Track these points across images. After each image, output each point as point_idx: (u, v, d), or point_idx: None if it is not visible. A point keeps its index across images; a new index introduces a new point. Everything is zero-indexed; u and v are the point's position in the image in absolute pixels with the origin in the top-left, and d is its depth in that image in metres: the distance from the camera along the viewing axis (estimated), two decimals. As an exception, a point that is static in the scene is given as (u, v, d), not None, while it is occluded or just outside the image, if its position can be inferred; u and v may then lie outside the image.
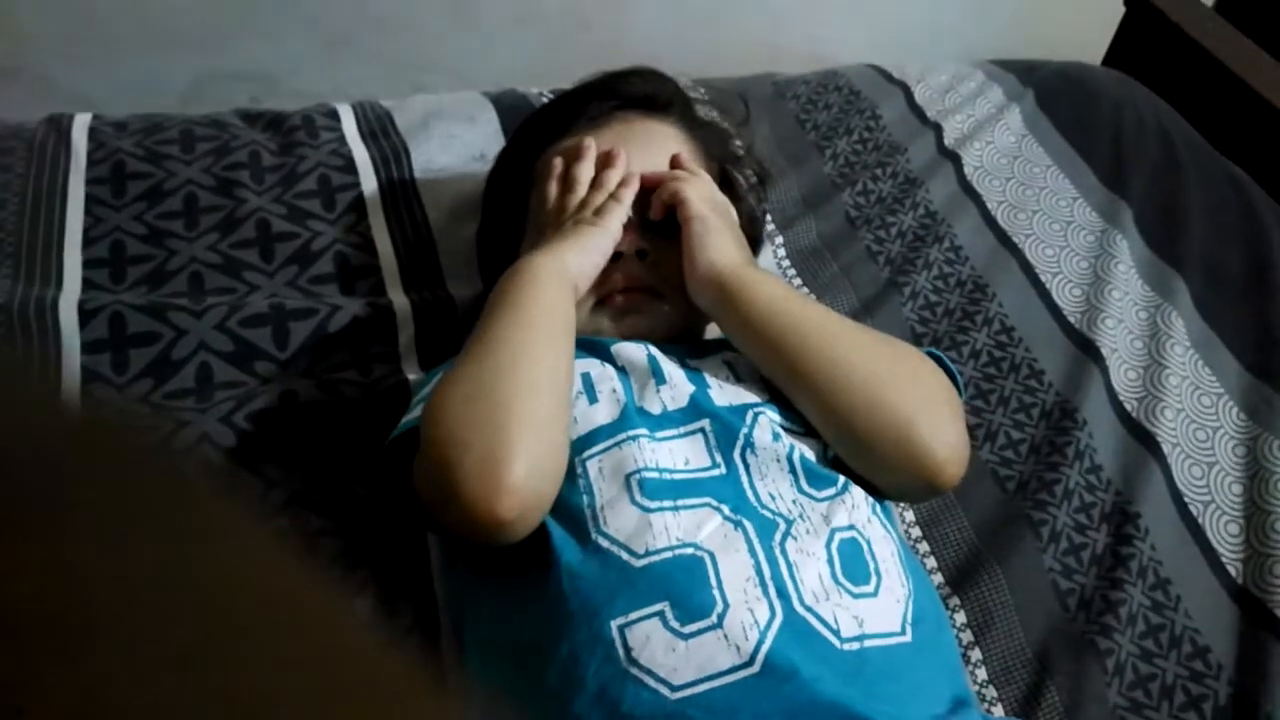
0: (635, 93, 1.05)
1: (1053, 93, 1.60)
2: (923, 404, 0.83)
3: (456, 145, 1.30)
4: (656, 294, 0.94)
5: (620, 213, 0.91)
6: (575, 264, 0.87)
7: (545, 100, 1.37)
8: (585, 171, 0.96)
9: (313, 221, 1.16)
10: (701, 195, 0.93)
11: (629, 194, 0.93)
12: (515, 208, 1.03)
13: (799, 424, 0.85)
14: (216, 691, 0.22)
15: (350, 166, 1.23)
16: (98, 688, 0.21)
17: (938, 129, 1.50)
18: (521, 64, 1.92)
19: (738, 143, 1.15)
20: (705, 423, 0.82)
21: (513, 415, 0.73)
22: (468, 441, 0.71)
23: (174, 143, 1.22)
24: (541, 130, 1.06)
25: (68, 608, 0.22)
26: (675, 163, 0.98)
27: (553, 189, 0.96)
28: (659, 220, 0.93)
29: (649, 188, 0.94)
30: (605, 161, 0.96)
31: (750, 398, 0.86)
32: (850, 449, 0.83)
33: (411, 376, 1.02)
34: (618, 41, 1.97)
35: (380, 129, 1.31)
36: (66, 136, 1.21)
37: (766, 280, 0.90)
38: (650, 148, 0.99)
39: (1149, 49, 1.80)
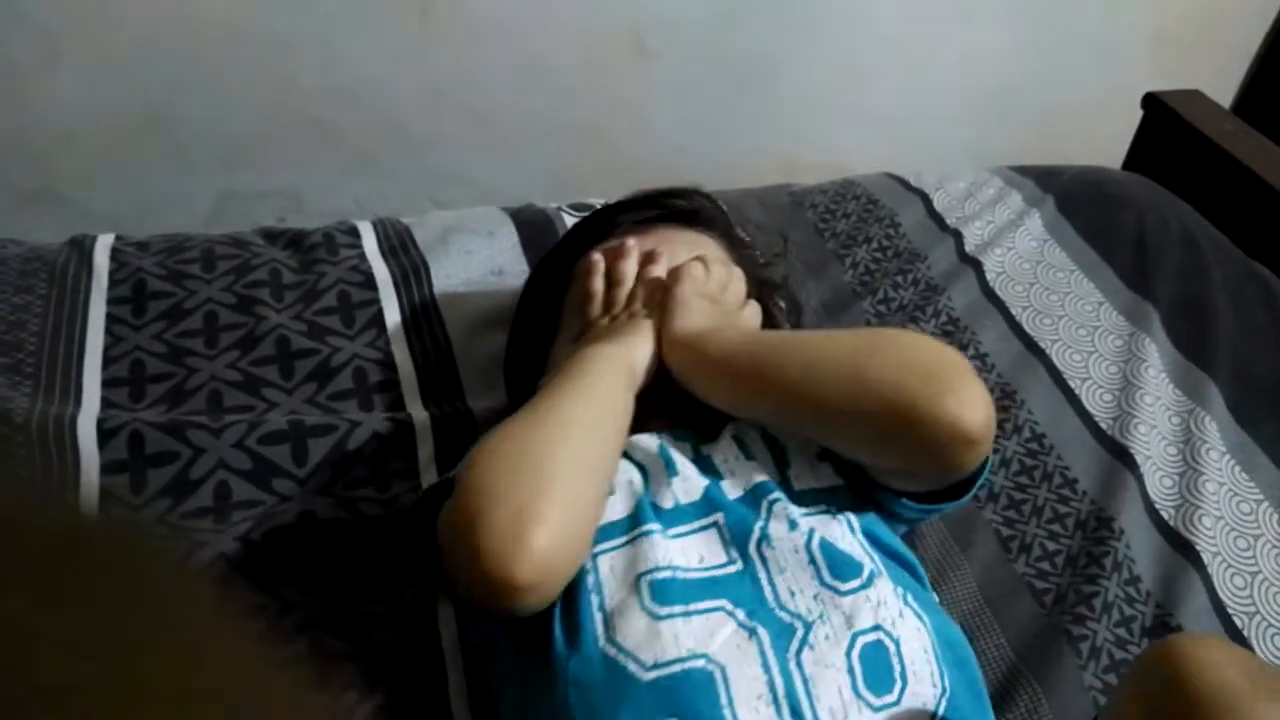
0: (680, 208, 1.07)
1: (1073, 197, 1.60)
2: (908, 365, 0.77)
3: (475, 261, 1.30)
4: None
5: None
6: (641, 357, 0.88)
7: (565, 214, 1.38)
8: (629, 267, 0.97)
9: (332, 338, 1.15)
10: (699, 280, 0.93)
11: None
12: (550, 309, 1.03)
13: (818, 504, 0.83)
14: None
15: (370, 283, 1.23)
16: None
17: (958, 236, 1.49)
18: (543, 176, 1.95)
19: (773, 271, 1.15)
20: (719, 516, 0.81)
21: (555, 482, 0.71)
22: (499, 495, 0.69)
23: (195, 261, 1.22)
24: (584, 236, 1.07)
25: None
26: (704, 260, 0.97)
27: (598, 284, 0.97)
28: None
29: None
30: (649, 259, 0.98)
31: (762, 477, 0.84)
32: (865, 449, 0.80)
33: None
34: (637, 154, 2.00)
35: (400, 245, 1.31)
36: (89, 257, 1.22)
37: (731, 328, 0.91)
38: (691, 253, 0.99)
39: (1168, 151, 1.80)
